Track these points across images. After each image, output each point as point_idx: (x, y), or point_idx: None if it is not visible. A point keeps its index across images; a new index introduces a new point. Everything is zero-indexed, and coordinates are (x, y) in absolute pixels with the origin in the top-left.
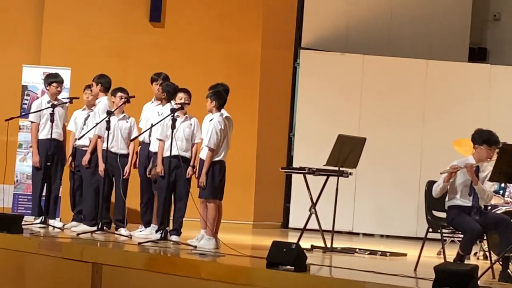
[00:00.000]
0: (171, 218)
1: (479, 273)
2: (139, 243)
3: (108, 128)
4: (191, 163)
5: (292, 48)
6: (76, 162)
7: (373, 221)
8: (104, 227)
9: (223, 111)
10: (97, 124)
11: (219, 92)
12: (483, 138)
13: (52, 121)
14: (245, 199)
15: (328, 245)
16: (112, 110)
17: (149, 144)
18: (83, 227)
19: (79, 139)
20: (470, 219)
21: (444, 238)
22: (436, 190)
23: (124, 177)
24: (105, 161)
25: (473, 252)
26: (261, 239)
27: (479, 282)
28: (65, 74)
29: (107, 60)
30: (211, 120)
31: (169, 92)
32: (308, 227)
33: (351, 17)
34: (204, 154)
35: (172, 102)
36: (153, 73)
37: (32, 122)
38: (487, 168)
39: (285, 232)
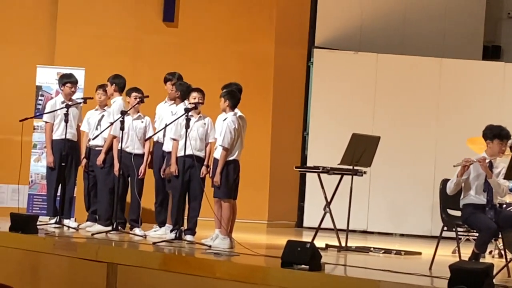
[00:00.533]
0: (186, 217)
1: (494, 272)
2: (154, 243)
3: (122, 128)
4: (205, 163)
5: (306, 47)
6: (90, 162)
7: (387, 220)
8: (119, 227)
9: (236, 110)
10: (111, 124)
11: (232, 92)
12: (494, 132)
13: (66, 121)
14: (259, 198)
15: (343, 244)
16: (126, 110)
17: (163, 143)
18: (98, 227)
19: (93, 139)
20: (485, 217)
21: (459, 236)
22: (450, 186)
23: (139, 177)
24: (120, 161)
25: (488, 250)
26: (275, 238)
27: (494, 281)
28: (79, 74)
29: (121, 60)
30: (224, 119)
31: (182, 91)
32: (322, 226)
33: (365, 15)
34: (218, 153)
35: (186, 101)
36: (167, 73)
37: (46, 122)
38: (500, 164)
39: (299, 231)
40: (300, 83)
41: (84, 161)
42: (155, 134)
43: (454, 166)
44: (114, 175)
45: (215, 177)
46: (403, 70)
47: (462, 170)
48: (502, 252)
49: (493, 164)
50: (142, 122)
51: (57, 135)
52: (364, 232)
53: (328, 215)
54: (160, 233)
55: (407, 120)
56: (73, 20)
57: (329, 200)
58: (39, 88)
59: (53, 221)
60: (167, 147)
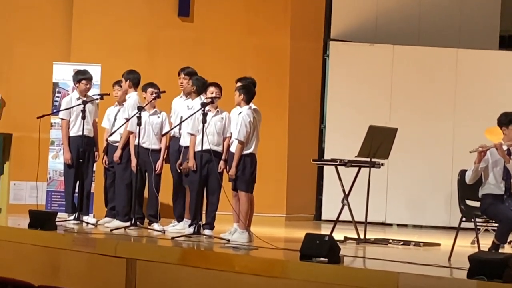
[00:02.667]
0: (204, 212)
1: None
2: (173, 238)
3: (139, 124)
4: (223, 157)
5: (321, 40)
6: (109, 158)
7: (406, 212)
8: (137, 223)
9: (251, 103)
10: (128, 120)
11: (248, 86)
12: (509, 118)
13: (83, 117)
14: (277, 192)
15: (361, 237)
16: (143, 105)
17: (179, 138)
18: (116, 223)
19: (110, 135)
20: (505, 208)
21: (478, 227)
22: (468, 175)
23: (157, 172)
24: (137, 156)
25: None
26: (294, 231)
27: None
28: (95, 70)
29: (137, 56)
30: (240, 113)
31: (198, 86)
32: (340, 218)
33: (380, 7)
34: (234, 147)
35: (202, 96)
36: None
37: (62, 119)
38: None
39: (317, 224)
40: (316, 76)
41: (102, 157)
42: (171, 129)
43: (470, 152)
44: (132, 171)
45: (230, 170)
46: (419, 61)
47: (479, 157)
48: None
49: (511, 151)
50: (159, 117)
51: (74, 131)
52: (383, 224)
53: (346, 207)
54: (179, 228)
55: (424, 111)
56: (88, 16)
57: (347, 192)
58: (55, 85)
59: (71, 217)
60: (184, 141)
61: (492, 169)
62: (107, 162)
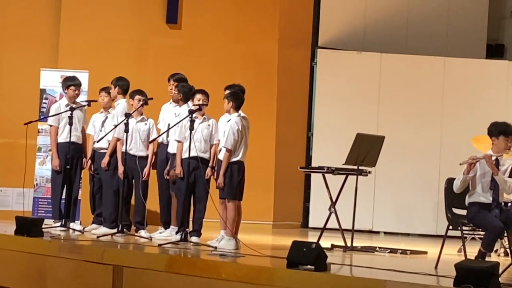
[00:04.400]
0: (191, 219)
1: (500, 270)
2: (159, 245)
3: (126, 131)
4: (210, 164)
5: (309, 48)
6: (95, 165)
7: (393, 220)
8: (124, 229)
9: (239, 111)
10: (115, 126)
11: (236, 93)
12: (499, 129)
13: (70, 124)
14: (264, 199)
15: (348, 244)
16: (130, 112)
17: (167, 145)
18: (103, 230)
19: (97, 141)
20: (492, 216)
21: (464, 235)
22: (456, 184)
23: (144, 179)
24: (124, 163)
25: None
26: (281, 239)
27: (500, 279)
28: (83, 77)
29: (125, 63)
30: (228, 121)
31: (185, 93)
32: (328, 226)
33: (368, 15)
34: (222, 155)
35: (190, 103)
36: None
37: (51, 125)
38: (507, 161)
39: (305, 232)
40: (304, 84)
41: (88, 164)
42: (159, 136)
43: (460, 164)
44: (119, 178)
45: (218, 178)
46: (407, 70)
47: (468, 168)
48: (508, 250)
49: (499, 161)
50: (146, 124)
51: (62, 138)
52: (370, 232)
53: (333, 215)
54: (166, 235)
55: (411, 119)
56: (76, 23)
57: (334, 200)
58: (43, 91)
59: (58, 224)
60: (172, 148)
61: (481, 180)
62: (93, 169)
